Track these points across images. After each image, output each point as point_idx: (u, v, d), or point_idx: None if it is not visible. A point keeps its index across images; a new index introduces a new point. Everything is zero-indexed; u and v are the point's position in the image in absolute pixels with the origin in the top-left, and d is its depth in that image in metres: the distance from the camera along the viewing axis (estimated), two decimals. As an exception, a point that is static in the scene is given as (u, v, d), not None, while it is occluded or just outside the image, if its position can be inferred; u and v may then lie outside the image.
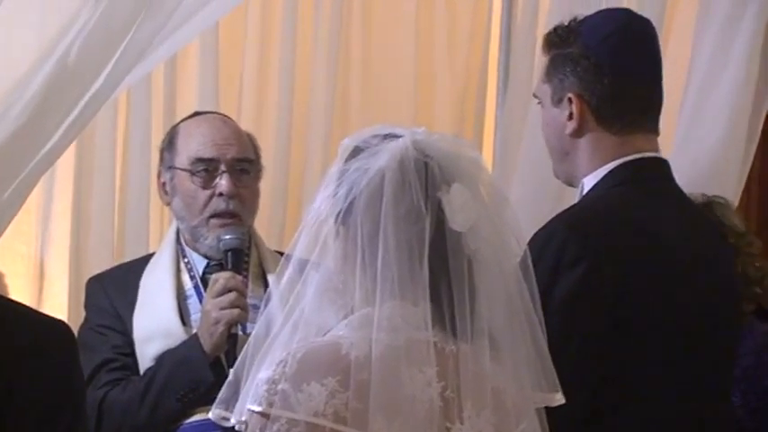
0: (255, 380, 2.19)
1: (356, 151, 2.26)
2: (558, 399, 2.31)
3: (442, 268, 2.21)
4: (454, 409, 2.17)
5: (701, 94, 3.91)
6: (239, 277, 3.23)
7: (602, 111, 2.79)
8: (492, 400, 2.19)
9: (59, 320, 2.62)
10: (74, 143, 3.17)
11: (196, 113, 3.48)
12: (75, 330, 2.87)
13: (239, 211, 3.32)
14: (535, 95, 2.90)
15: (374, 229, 2.19)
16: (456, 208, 2.21)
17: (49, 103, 2.83)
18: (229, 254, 3.27)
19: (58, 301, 3.81)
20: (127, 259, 3.62)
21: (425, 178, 2.22)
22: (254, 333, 2.29)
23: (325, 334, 2.22)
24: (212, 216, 3.32)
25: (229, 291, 3.19)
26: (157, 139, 3.72)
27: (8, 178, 2.86)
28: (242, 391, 2.22)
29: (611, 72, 2.78)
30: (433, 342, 2.19)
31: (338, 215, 2.24)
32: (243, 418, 2.20)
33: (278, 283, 2.29)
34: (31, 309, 2.63)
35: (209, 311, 3.18)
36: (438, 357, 2.19)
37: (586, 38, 2.80)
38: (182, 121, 3.46)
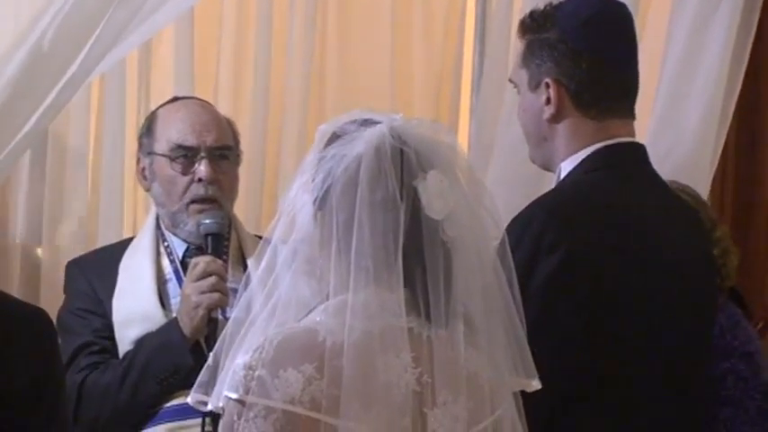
0: (233, 365, 2.18)
1: (333, 138, 2.25)
2: (535, 384, 2.31)
3: (418, 255, 2.20)
4: (430, 394, 2.17)
5: (676, 80, 3.91)
6: (219, 261, 3.23)
7: (579, 96, 2.79)
8: (468, 385, 2.19)
9: (38, 308, 2.62)
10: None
11: (175, 98, 3.46)
12: (50, 313, 2.86)
13: (218, 196, 3.32)
14: (511, 80, 2.90)
15: (349, 216, 2.18)
16: (432, 195, 2.20)
17: (23, 88, 2.82)
18: (209, 238, 3.27)
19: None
20: (100, 244, 3.61)
21: (401, 166, 2.20)
22: (232, 316, 2.29)
23: (301, 319, 2.22)
24: (192, 202, 3.31)
25: (209, 275, 3.19)
26: (131, 124, 3.70)
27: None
28: (219, 377, 2.21)
29: (588, 57, 2.78)
30: (409, 328, 2.19)
31: (315, 201, 2.23)
32: (220, 404, 2.19)
33: (256, 265, 2.28)
34: (10, 296, 2.63)
35: (188, 295, 3.18)
36: (413, 343, 2.18)
37: (563, 23, 2.79)
38: (160, 106, 3.43)
